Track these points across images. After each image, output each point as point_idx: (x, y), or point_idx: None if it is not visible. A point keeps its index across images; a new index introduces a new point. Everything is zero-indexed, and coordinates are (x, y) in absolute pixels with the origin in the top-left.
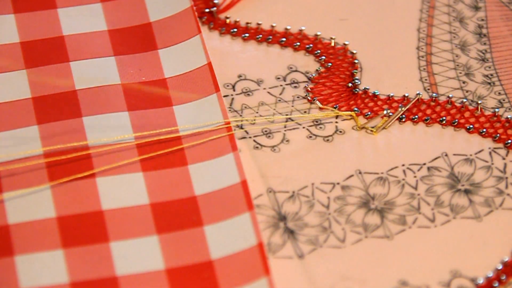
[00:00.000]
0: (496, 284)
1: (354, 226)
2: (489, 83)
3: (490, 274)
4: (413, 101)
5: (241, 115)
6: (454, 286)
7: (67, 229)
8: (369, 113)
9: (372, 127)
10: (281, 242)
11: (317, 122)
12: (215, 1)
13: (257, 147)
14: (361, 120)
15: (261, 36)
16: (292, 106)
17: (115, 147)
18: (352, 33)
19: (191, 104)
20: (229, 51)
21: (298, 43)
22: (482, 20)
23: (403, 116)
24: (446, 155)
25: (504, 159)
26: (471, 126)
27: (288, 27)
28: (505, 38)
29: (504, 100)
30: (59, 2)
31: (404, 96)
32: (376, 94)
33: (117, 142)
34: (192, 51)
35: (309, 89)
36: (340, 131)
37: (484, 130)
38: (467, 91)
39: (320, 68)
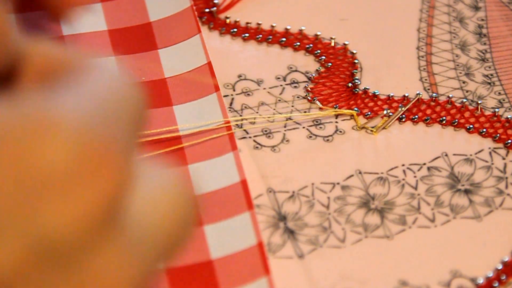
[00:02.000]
0: (496, 284)
1: (354, 226)
2: (489, 83)
3: (490, 274)
4: (413, 101)
5: (241, 115)
6: (454, 286)
7: None
8: (369, 113)
9: (372, 127)
10: (281, 242)
11: (317, 122)
12: (215, 1)
13: (257, 147)
14: (361, 120)
15: (261, 36)
16: (292, 106)
17: None
18: (352, 33)
19: (191, 104)
20: (229, 51)
21: (298, 43)
22: (482, 20)
23: (403, 116)
24: (446, 155)
25: (504, 159)
26: (471, 126)
27: (288, 27)
28: (505, 38)
29: (504, 100)
30: None
31: (404, 96)
32: (376, 94)
33: None
34: (192, 51)
35: (309, 89)
36: (340, 131)
37: (484, 130)
38: (467, 91)
39: (320, 68)
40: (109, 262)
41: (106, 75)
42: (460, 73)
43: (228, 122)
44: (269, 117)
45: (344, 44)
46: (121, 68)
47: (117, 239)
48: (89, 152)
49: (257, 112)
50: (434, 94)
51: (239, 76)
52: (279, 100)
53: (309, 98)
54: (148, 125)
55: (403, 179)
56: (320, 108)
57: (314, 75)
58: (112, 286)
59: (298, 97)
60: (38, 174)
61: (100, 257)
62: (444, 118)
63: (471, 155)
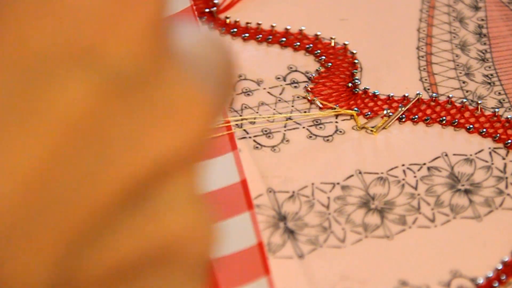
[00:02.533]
0: (496, 284)
1: (354, 226)
2: (489, 83)
3: (490, 274)
4: (413, 101)
5: (241, 115)
6: (454, 286)
7: None
8: (369, 113)
9: (372, 127)
10: (281, 242)
11: (317, 122)
12: (215, 1)
13: (257, 147)
14: (361, 120)
15: (261, 36)
16: (292, 106)
17: None
18: (352, 33)
19: None
20: None
21: (298, 43)
22: (482, 20)
23: (403, 116)
24: (446, 155)
25: (504, 159)
26: (471, 126)
27: (288, 27)
28: (505, 38)
29: (504, 100)
30: None
31: (404, 96)
32: (376, 94)
33: None
34: None
35: (309, 89)
36: (340, 131)
37: (484, 130)
38: (467, 91)
39: (320, 68)
40: (176, 82)
41: None
42: (460, 73)
43: (228, 122)
44: (269, 117)
45: (344, 44)
46: None
47: (177, 59)
48: None
49: (257, 112)
50: (434, 94)
51: (239, 76)
52: (279, 100)
53: (309, 98)
54: None
55: (403, 179)
56: (320, 108)
57: (314, 75)
58: (187, 105)
59: (298, 97)
60: (77, 8)
61: (167, 78)
62: (444, 118)
63: (471, 155)
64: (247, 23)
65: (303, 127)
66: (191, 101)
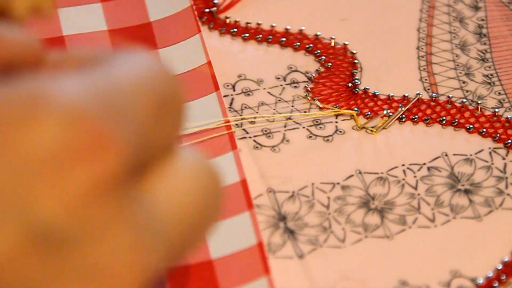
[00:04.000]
0: (496, 284)
1: (354, 226)
2: (489, 83)
3: (490, 274)
4: (413, 101)
5: (241, 115)
6: (454, 286)
7: None
8: (369, 113)
9: (372, 127)
10: (281, 242)
11: (317, 122)
12: (215, 1)
13: (257, 147)
14: (361, 120)
15: (261, 36)
16: (292, 106)
17: None
18: (352, 33)
19: (190, 103)
20: (229, 51)
21: (298, 43)
22: (482, 20)
23: (403, 116)
24: (446, 155)
25: (504, 159)
26: (471, 126)
27: (288, 27)
28: (505, 38)
29: (504, 100)
30: (59, 2)
31: (404, 96)
32: (376, 94)
33: None
34: (192, 50)
35: (309, 89)
36: (340, 131)
37: (484, 130)
38: (467, 91)
39: (320, 68)
40: (117, 248)
41: (135, 65)
42: (460, 73)
43: (228, 121)
44: (269, 117)
45: (344, 44)
46: (158, 61)
47: (130, 222)
48: (81, 131)
49: (257, 112)
50: (434, 94)
51: (239, 76)
52: (279, 100)
53: (309, 98)
54: (186, 117)
55: (403, 179)
56: (320, 108)
57: (314, 75)
58: (118, 276)
59: (298, 97)
60: (28, 157)
61: (106, 242)
62: (444, 118)
63: (471, 155)
64: (247, 23)
65: (303, 127)
66: (124, 267)
